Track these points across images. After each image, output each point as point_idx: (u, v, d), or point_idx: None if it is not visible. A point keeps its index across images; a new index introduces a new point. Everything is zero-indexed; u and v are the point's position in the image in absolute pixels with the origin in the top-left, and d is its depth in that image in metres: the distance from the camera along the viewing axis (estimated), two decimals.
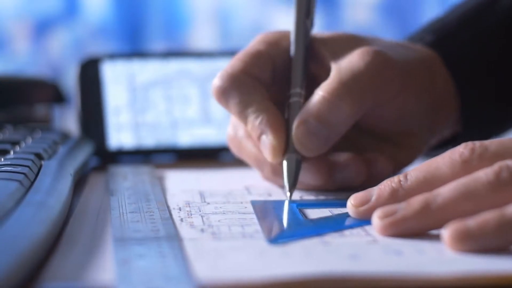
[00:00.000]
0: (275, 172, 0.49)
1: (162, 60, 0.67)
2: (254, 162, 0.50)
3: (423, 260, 0.33)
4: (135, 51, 1.46)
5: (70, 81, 0.72)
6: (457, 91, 0.53)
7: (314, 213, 0.41)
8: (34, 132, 0.56)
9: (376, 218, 0.37)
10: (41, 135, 0.55)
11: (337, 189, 0.48)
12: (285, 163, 0.46)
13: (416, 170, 0.39)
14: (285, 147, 0.46)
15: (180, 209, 0.43)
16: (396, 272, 0.31)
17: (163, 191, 0.48)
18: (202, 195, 0.47)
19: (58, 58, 1.51)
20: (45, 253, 0.32)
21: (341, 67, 0.47)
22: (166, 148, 0.64)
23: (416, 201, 0.36)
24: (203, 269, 0.31)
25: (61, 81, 0.75)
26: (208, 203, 0.44)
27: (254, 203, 0.43)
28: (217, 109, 0.66)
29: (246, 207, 0.43)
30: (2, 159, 0.44)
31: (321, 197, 0.46)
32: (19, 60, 1.50)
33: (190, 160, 0.63)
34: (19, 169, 0.40)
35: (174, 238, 0.35)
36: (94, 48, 1.48)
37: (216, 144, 0.64)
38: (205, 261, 0.32)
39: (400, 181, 0.39)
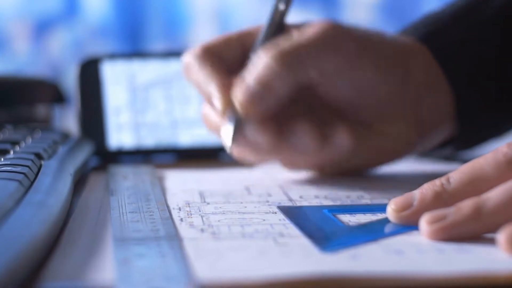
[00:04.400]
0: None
1: (162, 60, 0.67)
2: (215, 130, 0.52)
3: (423, 260, 0.33)
4: (135, 51, 1.46)
5: (70, 81, 0.72)
6: (448, 87, 0.52)
7: (345, 219, 0.40)
8: (34, 132, 0.56)
9: (424, 223, 0.35)
10: (41, 135, 0.55)
11: (289, 162, 0.50)
12: (227, 120, 0.48)
13: (458, 172, 0.38)
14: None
15: (180, 209, 0.43)
16: (396, 272, 0.31)
17: (163, 191, 0.48)
18: (202, 195, 0.47)
19: (58, 58, 1.51)
20: (45, 253, 0.32)
21: (287, 36, 0.49)
22: (166, 148, 0.64)
23: (466, 206, 0.35)
24: (203, 269, 0.31)
25: (61, 81, 0.75)
26: (208, 203, 0.44)
27: (282, 208, 0.43)
28: None
29: (246, 207, 0.43)
30: (2, 159, 0.44)
31: (349, 202, 0.45)
32: (19, 60, 1.50)
33: (190, 160, 0.63)
34: (18, 169, 0.40)
35: (174, 238, 0.35)
36: (94, 48, 1.48)
37: (216, 144, 0.64)
38: (205, 261, 0.32)
39: (442, 184, 0.38)
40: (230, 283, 0.30)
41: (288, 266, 0.32)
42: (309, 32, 0.49)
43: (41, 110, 0.70)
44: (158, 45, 1.50)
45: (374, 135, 0.51)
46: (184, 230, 0.37)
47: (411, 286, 0.30)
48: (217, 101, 0.49)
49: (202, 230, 0.38)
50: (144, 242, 0.34)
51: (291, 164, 0.52)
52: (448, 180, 0.38)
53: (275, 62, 0.48)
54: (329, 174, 0.53)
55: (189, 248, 0.34)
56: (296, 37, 0.49)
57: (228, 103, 0.48)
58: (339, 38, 0.49)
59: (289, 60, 0.48)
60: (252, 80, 0.48)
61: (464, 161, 0.39)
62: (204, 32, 1.52)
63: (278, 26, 0.51)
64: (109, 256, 0.33)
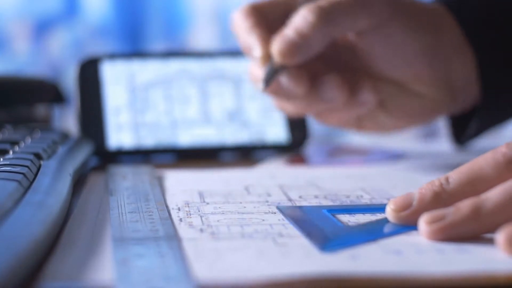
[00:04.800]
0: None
1: (162, 60, 0.67)
2: (256, 82, 0.56)
3: (423, 260, 0.33)
4: (135, 51, 1.46)
5: (70, 81, 0.72)
6: (475, 57, 0.55)
7: (345, 219, 0.40)
8: (34, 132, 0.56)
9: (423, 223, 0.36)
10: (40, 135, 0.55)
11: (318, 111, 0.56)
12: (265, 66, 0.53)
13: (457, 172, 0.38)
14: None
15: (179, 209, 0.43)
16: (396, 272, 0.31)
17: (163, 191, 0.48)
18: (201, 195, 0.47)
19: (58, 58, 1.51)
20: (45, 253, 0.32)
21: None
22: (166, 148, 0.64)
23: (465, 206, 0.35)
24: (202, 269, 0.31)
25: (61, 81, 0.75)
26: (208, 203, 0.44)
27: (281, 208, 0.43)
28: (217, 109, 0.66)
29: (245, 207, 0.43)
30: (1, 159, 0.44)
31: (349, 202, 0.45)
32: (19, 60, 1.50)
33: (190, 160, 0.63)
34: (18, 169, 0.40)
35: (173, 238, 0.35)
36: (94, 48, 1.48)
37: (216, 144, 0.64)
38: (204, 261, 0.32)
39: (441, 184, 0.38)
40: (230, 283, 0.30)
41: (287, 266, 0.32)
42: None
43: (40, 110, 0.70)
44: (158, 45, 1.50)
45: (405, 95, 0.55)
46: (183, 230, 0.37)
47: (411, 286, 0.30)
48: (257, 51, 0.54)
49: (201, 230, 0.38)
50: (143, 242, 0.34)
51: (323, 118, 0.57)
52: (447, 180, 0.38)
53: (313, 15, 0.52)
54: (361, 131, 0.58)
55: (188, 248, 0.34)
56: None
57: (266, 53, 0.54)
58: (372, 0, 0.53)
59: (325, 15, 0.52)
60: (290, 31, 0.52)
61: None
62: (204, 32, 1.52)
63: None
64: (109, 256, 0.33)
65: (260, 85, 0.53)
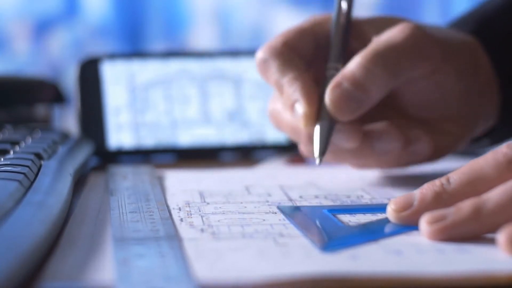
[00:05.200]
0: (311, 140, 0.49)
1: (162, 60, 0.67)
2: (291, 133, 0.52)
3: (423, 260, 0.33)
4: (135, 51, 1.46)
5: (70, 81, 0.72)
6: (499, 81, 0.53)
7: (345, 219, 0.40)
8: (34, 132, 0.56)
9: (424, 223, 0.36)
10: (41, 135, 0.55)
11: (372, 165, 0.50)
12: (317, 128, 0.47)
13: (458, 172, 0.38)
14: (317, 115, 0.48)
15: (180, 209, 0.43)
16: (397, 272, 0.31)
17: (163, 191, 0.48)
18: (202, 195, 0.47)
19: (58, 58, 1.51)
20: (45, 253, 0.32)
21: (380, 38, 0.49)
22: (166, 148, 0.64)
23: (466, 206, 0.35)
24: (202, 269, 0.31)
25: (61, 81, 0.75)
26: (208, 203, 0.44)
27: (282, 208, 0.43)
28: (217, 109, 0.66)
29: (245, 207, 0.43)
30: (2, 159, 0.44)
31: (349, 202, 0.45)
32: (19, 60, 1.50)
33: (190, 160, 0.63)
34: (18, 169, 0.40)
35: (174, 238, 0.35)
36: (94, 48, 1.48)
37: (216, 144, 0.64)
38: (204, 261, 0.32)
39: (442, 184, 0.38)
40: (230, 283, 0.30)
41: (288, 266, 0.32)
42: (400, 35, 0.49)
43: (41, 110, 0.70)
44: (158, 45, 1.50)
45: (434, 133, 0.51)
46: (184, 230, 0.37)
47: (411, 286, 0.30)
48: (302, 107, 0.48)
49: (202, 230, 0.38)
50: (144, 242, 0.34)
51: (368, 166, 0.52)
52: (448, 181, 0.38)
53: (373, 64, 0.47)
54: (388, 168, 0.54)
55: (189, 248, 0.34)
56: (387, 39, 0.49)
57: (314, 111, 0.48)
58: (425, 43, 0.49)
59: (385, 62, 0.48)
60: (347, 82, 0.47)
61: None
62: (204, 32, 1.52)
63: (347, 28, 0.51)
64: (109, 256, 0.33)
65: (317, 155, 0.47)
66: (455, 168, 0.39)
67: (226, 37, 1.52)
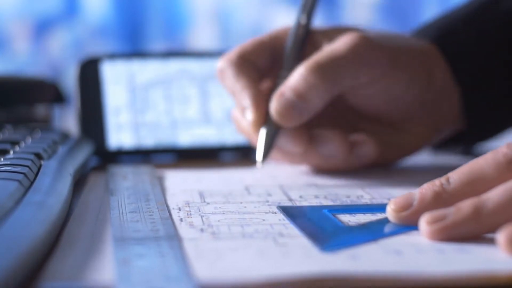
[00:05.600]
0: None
1: (162, 60, 0.67)
2: (247, 137, 0.55)
3: (423, 260, 0.33)
4: (135, 51, 1.46)
5: (70, 81, 0.72)
6: (459, 88, 0.55)
7: (345, 219, 0.40)
8: (34, 132, 0.56)
9: (424, 223, 0.36)
10: (41, 135, 0.55)
11: (320, 167, 0.53)
12: (261, 132, 0.51)
13: (458, 172, 0.38)
14: (264, 121, 0.51)
15: (179, 209, 0.43)
16: (396, 272, 0.31)
17: (163, 191, 0.48)
18: (202, 195, 0.47)
19: (58, 58, 1.51)
20: (45, 253, 0.32)
21: (324, 49, 0.52)
22: (166, 148, 0.64)
23: (466, 206, 0.35)
24: (202, 269, 0.31)
25: (61, 81, 0.75)
26: (208, 203, 0.44)
27: (282, 208, 0.43)
28: (217, 109, 0.66)
29: (245, 207, 0.43)
30: (2, 159, 0.44)
31: (349, 202, 0.45)
32: (19, 60, 1.50)
33: (190, 160, 0.63)
34: (18, 169, 0.40)
35: (174, 238, 0.35)
36: (94, 48, 1.48)
37: (216, 144, 0.64)
38: (204, 261, 0.32)
39: (442, 184, 0.38)
40: (230, 283, 0.30)
41: (288, 266, 0.32)
42: (342, 46, 0.51)
43: (40, 110, 0.70)
44: (158, 45, 1.50)
45: (395, 134, 0.55)
46: (183, 230, 0.37)
47: (411, 286, 0.30)
48: (250, 114, 0.52)
49: (202, 230, 0.38)
50: (144, 242, 0.34)
51: (318, 168, 0.54)
52: (447, 180, 0.38)
53: (312, 75, 0.50)
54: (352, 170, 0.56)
55: (189, 248, 0.34)
56: (330, 50, 0.51)
57: (260, 118, 0.51)
58: (371, 52, 0.52)
59: (325, 73, 0.50)
60: (289, 92, 0.50)
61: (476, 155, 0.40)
62: (204, 32, 1.52)
63: (303, 40, 0.54)
64: (109, 256, 0.33)
65: (259, 159, 0.51)
66: (455, 168, 0.39)
67: (226, 37, 1.52)
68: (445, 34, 0.56)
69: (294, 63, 0.53)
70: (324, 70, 0.50)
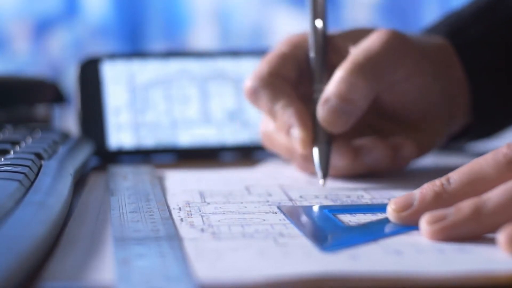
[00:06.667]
0: (307, 160, 0.52)
1: (162, 60, 0.67)
2: (286, 153, 0.55)
3: (423, 260, 0.33)
4: (135, 51, 1.46)
5: (70, 81, 0.71)
6: (469, 82, 0.55)
7: (345, 219, 0.40)
8: (34, 132, 0.56)
9: (424, 223, 0.36)
10: (41, 135, 0.55)
11: (365, 173, 0.52)
12: (315, 151, 0.50)
13: (458, 172, 0.38)
14: (313, 137, 0.50)
15: (180, 209, 0.43)
16: (396, 272, 0.31)
17: (163, 191, 0.48)
18: (202, 195, 0.47)
19: (58, 58, 1.51)
20: (45, 253, 0.32)
21: (358, 49, 0.51)
22: (166, 148, 0.64)
23: (466, 206, 0.35)
24: (203, 269, 0.31)
25: (61, 81, 0.75)
26: (208, 203, 0.44)
27: (282, 208, 0.43)
28: (217, 109, 0.66)
29: (246, 207, 0.43)
30: (2, 159, 0.44)
31: (349, 202, 0.45)
32: (19, 60, 1.50)
33: (190, 160, 0.63)
34: (19, 169, 0.40)
35: (174, 238, 0.35)
36: (94, 48, 1.48)
37: (216, 144, 0.64)
38: (205, 261, 0.32)
39: (442, 184, 0.38)
40: (230, 283, 0.30)
41: (288, 266, 0.32)
42: (377, 43, 0.51)
43: (41, 110, 0.70)
44: (158, 45, 1.50)
45: (413, 133, 0.54)
46: (184, 230, 0.37)
47: (411, 286, 0.30)
48: (298, 132, 0.50)
49: (202, 230, 0.38)
50: (144, 242, 0.34)
51: (361, 174, 0.53)
52: (448, 180, 0.38)
53: (354, 76, 0.50)
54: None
55: (189, 248, 0.34)
56: (364, 50, 0.51)
57: (310, 134, 0.50)
58: (403, 46, 0.52)
59: (366, 72, 0.50)
60: (333, 98, 0.50)
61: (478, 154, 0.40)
62: (204, 32, 1.52)
63: (324, 47, 0.53)
64: (109, 256, 0.33)
65: (320, 177, 0.49)
66: (455, 168, 0.39)
67: (226, 37, 1.51)
68: (454, 30, 0.57)
69: (324, 73, 0.52)
70: (365, 70, 0.50)
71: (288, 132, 0.51)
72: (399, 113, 0.54)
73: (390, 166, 0.53)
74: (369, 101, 0.51)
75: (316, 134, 0.51)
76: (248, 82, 0.53)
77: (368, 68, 0.50)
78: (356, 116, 0.51)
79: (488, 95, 0.56)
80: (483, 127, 0.58)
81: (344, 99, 0.50)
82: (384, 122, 0.55)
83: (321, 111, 0.50)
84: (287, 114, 0.51)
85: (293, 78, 0.53)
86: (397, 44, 0.51)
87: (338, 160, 0.51)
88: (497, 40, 0.57)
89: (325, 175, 0.50)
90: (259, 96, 0.52)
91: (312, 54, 0.53)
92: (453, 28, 0.57)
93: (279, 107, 0.51)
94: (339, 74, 0.50)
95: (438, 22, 0.59)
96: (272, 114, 0.52)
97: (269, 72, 0.52)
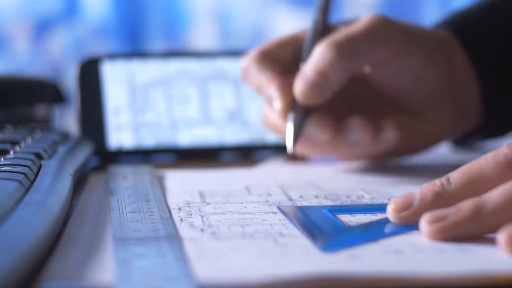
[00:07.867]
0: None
1: (162, 60, 0.67)
2: (276, 131, 0.56)
3: (423, 260, 0.33)
4: (135, 51, 1.46)
5: (70, 81, 0.72)
6: (478, 79, 0.56)
7: (345, 219, 0.40)
8: (34, 132, 0.56)
9: (424, 223, 0.36)
10: (41, 135, 0.55)
11: (349, 156, 0.55)
12: (289, 119, 0.52)
13: (458, 172, 0.38)
14: (292, 108, 0.52)
15: (180, 209, 0.43)
16: (396, 272, 0.31)
17: (163, 191, 0.48)
18: (202, 195, 0.47)
19: (58, 58, 1.51)
20: (45, 253, 0.32)
21: (343, 29, 0.53)
22: (166, 148, 0.64)
23: (466, 206, 0.35)
24: (203, 269, 0.31)
25: (61, 81, 0.75)
26: (208, 203, 0.44)
27: (282, 208, 0.43)
28: (217, 109, 0.66)
29: (246, 207, 0.43)
30: (2, 159, 0.44)
31: (349, 202, 0.45)
32: (19, 60, 1.50)
33: (190, 160, 0.63)
34: (18, 169, 0.40)
35: (174, 238, 0.35)
36: (94, 48, 1.48)
37: (216, 144, 0.64)
38: (205, 261, 0.32)
39: (442, 184, 0.38)
40: (230, 283, 0.30)
41: (288, 266, 0.32)
42: (360, 24, 0.53)
43: (41, 110, 0.70)
44: (158, 45, 1.50)
45: (420, 123, 0.55)
46: (184, 230, 0.37)
47: (411, 286, 0.30)
48: (278, 103, 0.53)
49: (202, 230, 0.38)
50: (144, 242, 0.34)
51: (345, 157, 0.56)
52: (448, 180, 0.38)
53: (329, 52, 0.51)
54: (378, 160, 0.57)
55: (189, 248, 0.34)
56: (347, 29, 0.53)
57: (288, 105, 0.53)
58: (388, 29, 0.53)
59: (343, 50, 0.52)
60: (310, 71, 0.52)
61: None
62: (204, 32, 1.52)
63: (321, 34, 0.55)
64: (109, 256, 0.33)
65: (289, 145, 0.52)
66: (456, 167, 0.39)
67: (226, 37, 1.52)
68: (461, 26, 0.57)
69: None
70: (340, 46, 0.51)
71: (271, 104, 0.54)
72: (398, 99, 0.55)
73: (371, 149, 0.54)
74: (344, 77, 0.52)
75: (293, 105, 0.52)
76: (241, 62, 0.55)
77: (344, 45, 0.52)
78: (330, 90, 0.52)
79: (498, 90, 0.56)
80: (495, 124, 0.58)
81: (318, 73, 0.51)
82: (390, 111, 0.55)
83: (297, 84, 0.52)
84: (269, 86, 0.53)
85: (285, 60, 0.55)
86: (380, 26, 0.53)
87: (318, 132, 0.53)
88: (504, 35, 0.57)
89: (294, 140, 0.52)
90: (249, 72, 0.55)
91: (307, 38, 0.55)
92: (459, 24, 0.58)
93: (263, 80, 0.54)
94: (317, 49, 0.52)
95: (444, 20, 0.60)
96: (258, 88, 0.55)
97: (261, 51, 0.55)
